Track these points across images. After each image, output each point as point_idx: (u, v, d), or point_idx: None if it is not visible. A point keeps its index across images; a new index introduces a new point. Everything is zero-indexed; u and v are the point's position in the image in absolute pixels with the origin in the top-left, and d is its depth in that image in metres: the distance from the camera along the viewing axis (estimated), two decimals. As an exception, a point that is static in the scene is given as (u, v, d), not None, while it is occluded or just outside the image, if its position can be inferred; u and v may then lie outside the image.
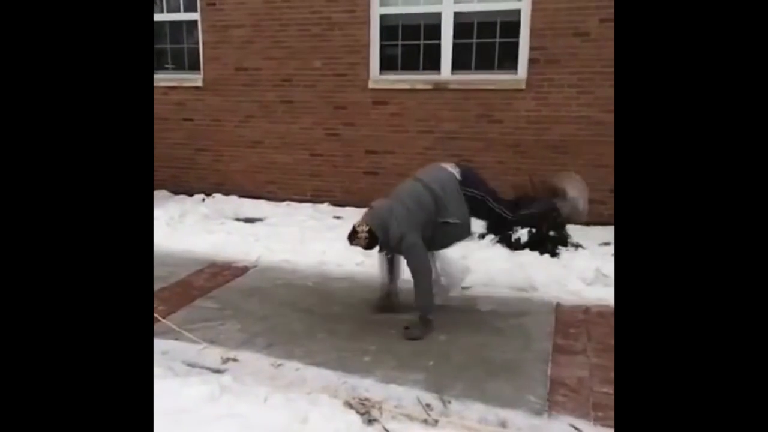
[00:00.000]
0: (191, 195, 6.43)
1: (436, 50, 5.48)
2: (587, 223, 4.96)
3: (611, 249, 4.30)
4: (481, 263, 4.05)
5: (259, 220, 5.54)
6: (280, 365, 2.74)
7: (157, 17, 6.33)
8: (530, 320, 3.30)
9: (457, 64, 5.46)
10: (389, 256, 3.36)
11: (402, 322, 3.25)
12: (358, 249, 4.35)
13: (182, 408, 2.29)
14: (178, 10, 6.31)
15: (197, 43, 6.29)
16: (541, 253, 4.19)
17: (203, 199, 6.27)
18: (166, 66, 6.54)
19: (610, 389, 2.50)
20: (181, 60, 6.49)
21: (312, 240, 4.68)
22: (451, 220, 3.13)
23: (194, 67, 6.39)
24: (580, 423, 2.28)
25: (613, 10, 4.74)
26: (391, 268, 3.42)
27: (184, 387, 2.44)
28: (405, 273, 3.30)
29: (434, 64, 5.53)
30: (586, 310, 3.45)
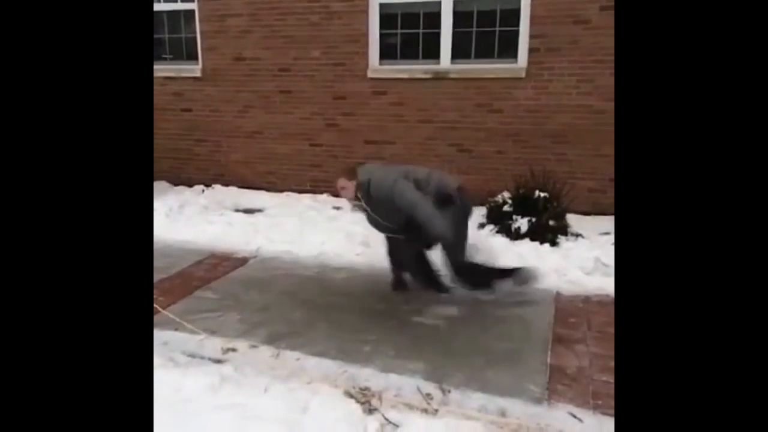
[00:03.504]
0: (190, 186, 6.42)
1: (436, 39, 5.44)
2: (587, 213, 4.97)
3: (611, 238, 4.30)
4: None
5: (259, 210, 5.53)
6: (279, 355, 2.75)
7: (155, 7, 6.27)
8: (530, 309, 3.30)
9: (457, 53, 5.42)
10: (390, 237, 3.43)
11: (404, 312, 3.26)
12: (358, 239, 4.39)
13: (183, 398, 2.30)
14: (175, 0, 6.26)
15: (195, 32, 6.25)
16: (541, 242, 4.19)
17: (202, 190, 6.25)
18: (164, 56, 6.49)
19: (610, 378, 2.50)
20: (179, 50, 6.45)
21: (312, 230, 4.68)
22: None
23: (192, 57, 6.35)
24: (579, 411, 2.29)
25: (613, -2, 4.71)
26: (394, 250, 3.48)
27: (184, 377, 2.44)
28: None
29: (434, 53, 5.49)
30: (585, 299, 3.46)
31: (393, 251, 3.54)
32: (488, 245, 3.85)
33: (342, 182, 3.26)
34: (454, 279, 3.41)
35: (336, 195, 5.92)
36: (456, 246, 3.25)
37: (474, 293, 3.42)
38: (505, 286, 3.40)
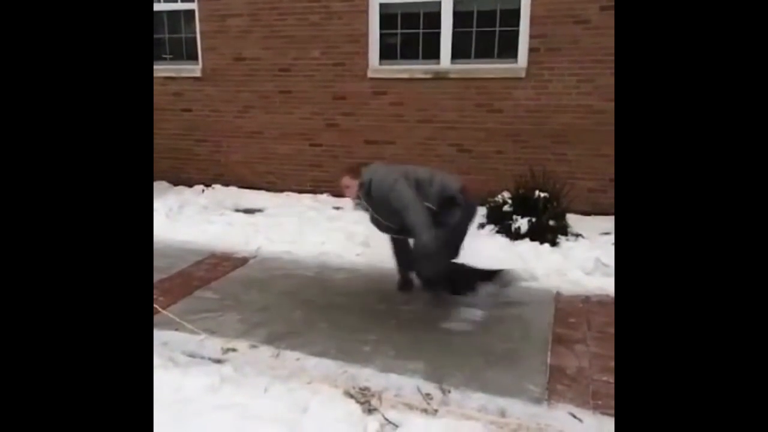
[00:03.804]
0: (190, 186, 6.42)
1: (436, 39, 5.44)
2: (586, 213, 4.97)
3: (611, 238, 4.30)
4: (480, 253, 4.04)
5: (259, 210, 5.54)
6: (279, 355, 2.75)
7: (155, 7, 6.27)
8: (530, 309, 3.30)
9: (457, 53, 5.42)
10: (394, 237, 3.42)
11: (404, 313, 3.26)
12: (358, 240, 4.40)
13: (183, 398, 2.30)
14: (176, 0, 6.26)
15: (195, 32, 6.25)
16: (541, 242, 4.19)
17: (203, 190, 6.26)
18: (164, 56, 6.50)
19: (610, 378, 2.51)
20: (179, 50, 6.45)
21: (312, 230, 4.68)
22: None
23: (192, 57, 6.35)
24: (579, 411, 2.29)
25: (613, -2, 4.71)
26: (399, 250, 3.48)
27: (184, 377, 2.44)
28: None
29: (434, 53, 5.49)
30: (585, 299, 3.46)
31: (399, 251, 3.52)
32: (474, 245, 3.76)
33: (346, 180, 3.26)
34: (427, 283, 3.36)
35: (338, 194, 5.95)
36: (437, 255, 3.05)
37: (454, 296, 3.36)
38: (488, 288, 3.33)
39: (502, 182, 4.99)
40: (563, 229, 4.36)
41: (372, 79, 5.66)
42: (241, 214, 5.34)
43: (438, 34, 5.42)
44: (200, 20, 6.15)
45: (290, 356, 2.74)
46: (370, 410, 2.28)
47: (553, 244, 4.20)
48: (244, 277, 3.86)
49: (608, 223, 4.66)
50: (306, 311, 3.30)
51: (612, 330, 2.97)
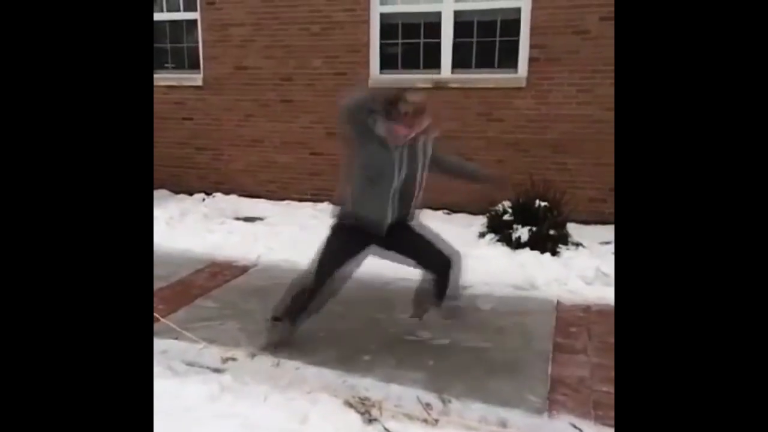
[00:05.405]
0: (191, 194, 6.43)
1: (436, 49, 5.47)
2: (587, 222, 4.97)
3: (611, 248, 4.29)
4: (481, 262, 4.04)
5: (260, 219, 5.54)
6: (279, 364, 2.73)
7: (157, 16, 6.32)
8: (530, 319, 3.29)
9: (458, 63, 5.45)
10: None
11: (404, 322, 3.25)
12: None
13: (182, 407, 2.28)
14: (178, 10, 6.31)
15: (197, 42, 6.29)
16: (542, 251, 4.19)
17: (203, 199, 6.26)
18: (166, 65, 6.53)
19: (611, 388, 2.49)
20: (181, 59, 6.49)
21: (312, 239, 4.66)
22: None
23: (194, 66, 6.38)
24: (580, 422, 2.28)
25: (612, 8, 4.73)
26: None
27: (183, 386, 2.43)
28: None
29: (434, 63, 5.52)
30: (586, 308, 3.45)
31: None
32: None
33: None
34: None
35: (335, 203, 5.95)
36: None
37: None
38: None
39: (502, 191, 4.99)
40: (564, 239, 4.36)
41: (373, 88, 5.68)
42: (242, 223, 5.35)
43: (438, 44, 5.45)
44: (202, 30, 6.19)
45: (290, 365, 2.73)
46: (370, 420, 2.27)
47: (554, 253, 4.20)
48: (244, 286, 3.85)
49: (609, 232, 4.65)
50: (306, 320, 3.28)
51: (613, 340, 2.96)
